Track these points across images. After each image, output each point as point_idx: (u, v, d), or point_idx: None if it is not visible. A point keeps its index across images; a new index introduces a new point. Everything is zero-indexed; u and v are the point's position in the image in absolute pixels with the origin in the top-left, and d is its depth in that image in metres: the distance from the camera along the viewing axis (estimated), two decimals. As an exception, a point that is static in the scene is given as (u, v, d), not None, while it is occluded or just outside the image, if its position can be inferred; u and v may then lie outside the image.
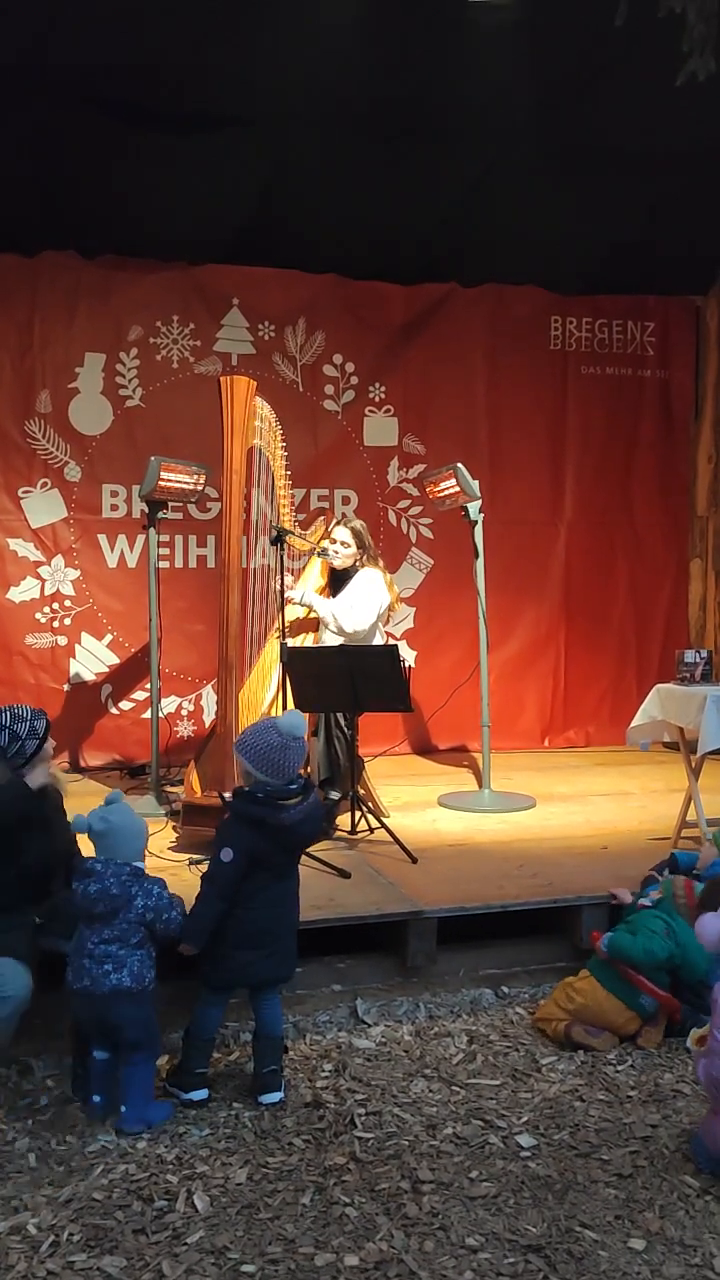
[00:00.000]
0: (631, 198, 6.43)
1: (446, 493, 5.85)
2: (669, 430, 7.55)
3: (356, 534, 5.43)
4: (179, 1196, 2.79)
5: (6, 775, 3.30)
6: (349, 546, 5.40)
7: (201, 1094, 3.24)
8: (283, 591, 4.97)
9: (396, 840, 4.66)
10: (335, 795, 5.11)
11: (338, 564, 5.41)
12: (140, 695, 6.53)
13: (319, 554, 5.44)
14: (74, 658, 6.49)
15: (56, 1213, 2.72)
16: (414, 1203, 2.76)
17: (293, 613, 5.35)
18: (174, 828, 4.93)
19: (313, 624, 5.50)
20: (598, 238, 6.79)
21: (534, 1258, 2.56)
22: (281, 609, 4.93)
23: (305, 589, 5.41)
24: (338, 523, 5.55)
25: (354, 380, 6.95)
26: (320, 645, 5.27)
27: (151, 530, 5.47)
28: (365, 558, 5.43)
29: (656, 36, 4.12)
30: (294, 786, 3.27)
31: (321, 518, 5.83)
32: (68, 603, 6.48)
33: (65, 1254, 2.57)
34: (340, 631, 5.22)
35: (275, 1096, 3.23)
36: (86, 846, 3.61)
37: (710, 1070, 2.89)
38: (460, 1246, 2.60)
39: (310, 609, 5.36)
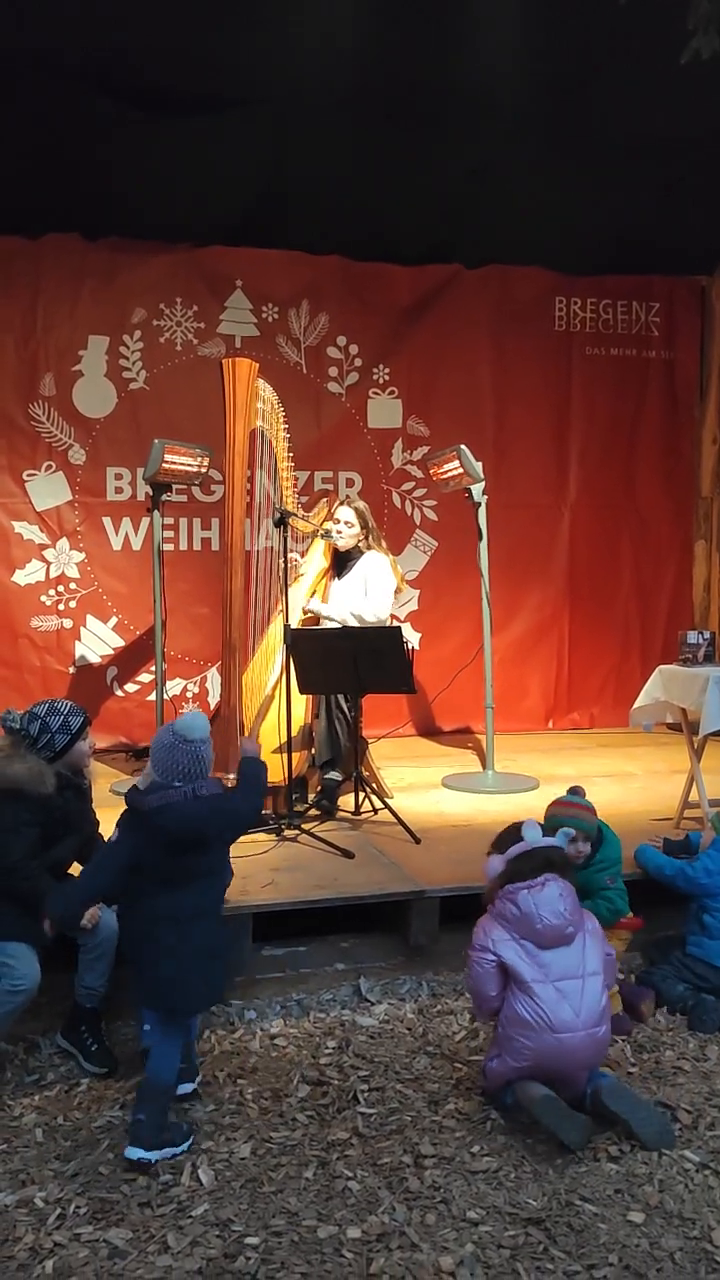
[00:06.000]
0: (637, 180, 6.39)
1: (450, 474, 5.84)
2: (674, 412, 7.52)
3: (359, 514, 5.44)
4: (184, 1170, 2.82)
5: (36, 765, 3.30)
6: (352, 526, 5.41)
7: (187, 1087, 3.18)
8: (285, 576, 4.97)
9: (400, 821, 4.69)
10: (337, 777, 5.13)
11: (341, 545, 5.42)
12: (145, 678, 6.55)
13: (322, 536, 5.45)
14: (79, 640, 6.51)
15: (63, 1186, 2.76)
16: (416, 1177, 2.80)
17: (296, 600, 5.35)
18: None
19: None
20: (603, 220, 6.74)
21: (534, 1230, 2.59)
22: (285, 591, 4.94)
23: (313, 600, 5.39)
24: (340, 503, 5.56)
25: (358, 362, 6.93)
26: (324, 627, 5.29)
27: (155, 513, 5.47)
28: (369, 538, 5.44)
29: (661, 16, 4.11)
30: (177, 784, 2.97)
31: (325, 499, 5.84)
32: (72, 585, 6.50)
33: (72, 1226, 2.61)
34: (362, 624, 5.24)
35: (187, 1088, 3.16)
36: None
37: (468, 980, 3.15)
38: (461, 1219, 2.63)
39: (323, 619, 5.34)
